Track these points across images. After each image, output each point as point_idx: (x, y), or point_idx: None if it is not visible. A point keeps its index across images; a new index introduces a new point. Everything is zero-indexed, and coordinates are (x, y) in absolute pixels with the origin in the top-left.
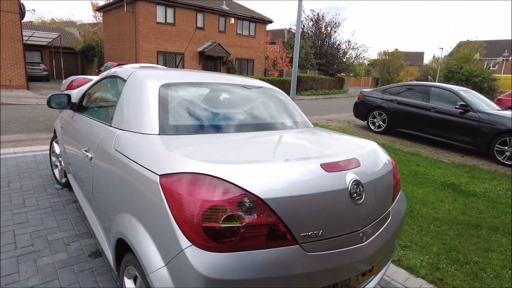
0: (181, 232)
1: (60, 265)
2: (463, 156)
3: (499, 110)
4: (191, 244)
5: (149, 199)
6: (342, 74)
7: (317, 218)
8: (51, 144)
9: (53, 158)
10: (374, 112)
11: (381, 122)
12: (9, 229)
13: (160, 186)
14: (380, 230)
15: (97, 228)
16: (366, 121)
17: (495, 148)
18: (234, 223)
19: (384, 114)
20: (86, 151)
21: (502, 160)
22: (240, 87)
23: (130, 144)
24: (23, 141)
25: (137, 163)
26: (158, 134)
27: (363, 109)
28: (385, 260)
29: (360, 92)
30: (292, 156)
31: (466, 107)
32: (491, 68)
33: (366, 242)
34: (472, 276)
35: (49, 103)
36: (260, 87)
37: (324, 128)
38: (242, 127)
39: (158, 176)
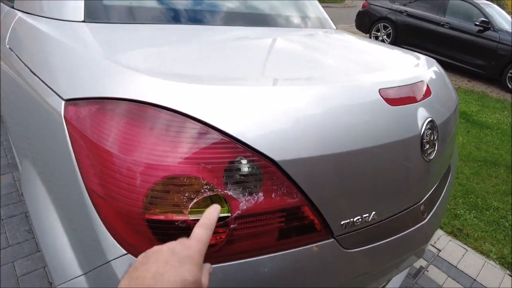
0: (104, 228)
1: None
2: (470, 81)
3: None
4: (126, 252)
5: (52, 145)
6: None
7: (368, 192)
8: None
9: None
10: (379, 25)
11: (385, 36)
12: None
13: (64, 123)
14: (442, 195)
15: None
16: (368, 34)
17: (508, 74)
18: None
19: (390, 27)
20: None
21: None
22: None
23: (30, 38)
24: None
25: (34, 74)
26: (83, 22)
27: (366, 19)
28: None
29: (366, 0)
30: (326, 75)
31: (487, 24)
32: None
33: (427, 218)
34: (493, 225)
35: None
36: None
37: (352, 33)
38: (228, 18)
39: (62, 102)
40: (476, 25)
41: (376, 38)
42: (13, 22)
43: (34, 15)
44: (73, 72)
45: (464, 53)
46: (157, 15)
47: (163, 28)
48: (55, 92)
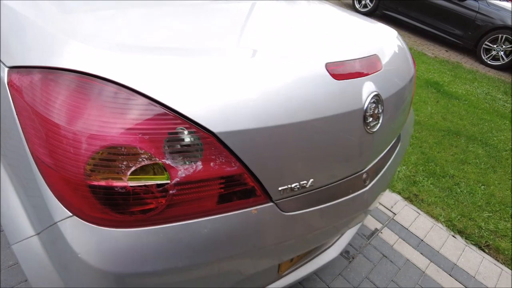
0: (49, 190)
1: None
2: (447, 51)
3: (500, 0)
4: (71, 214)
5: (0, 112)
6: None
7: (307, 161)
8: None
9: None
10: None
11: (368, 0)
12: None
13: (8, 91)
14: (388, 165)
15: None
16: None
17: (483, 46)
18: (156, 179)
19: None
20: None
21: (485, 60)
22: None
23: None
24: None
25: None
26: None
27: None
28: None
29: None
30: (272, 47)
31: None
32: None
33: (369, 186)
34: (447, 191)
35: None
36: None
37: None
38: None
39: (6, 69)
40: None
41: (359, 2)
42: None
43: None
44: (17, 37)
45: (444, 22)
46: None
47: None
48: None
